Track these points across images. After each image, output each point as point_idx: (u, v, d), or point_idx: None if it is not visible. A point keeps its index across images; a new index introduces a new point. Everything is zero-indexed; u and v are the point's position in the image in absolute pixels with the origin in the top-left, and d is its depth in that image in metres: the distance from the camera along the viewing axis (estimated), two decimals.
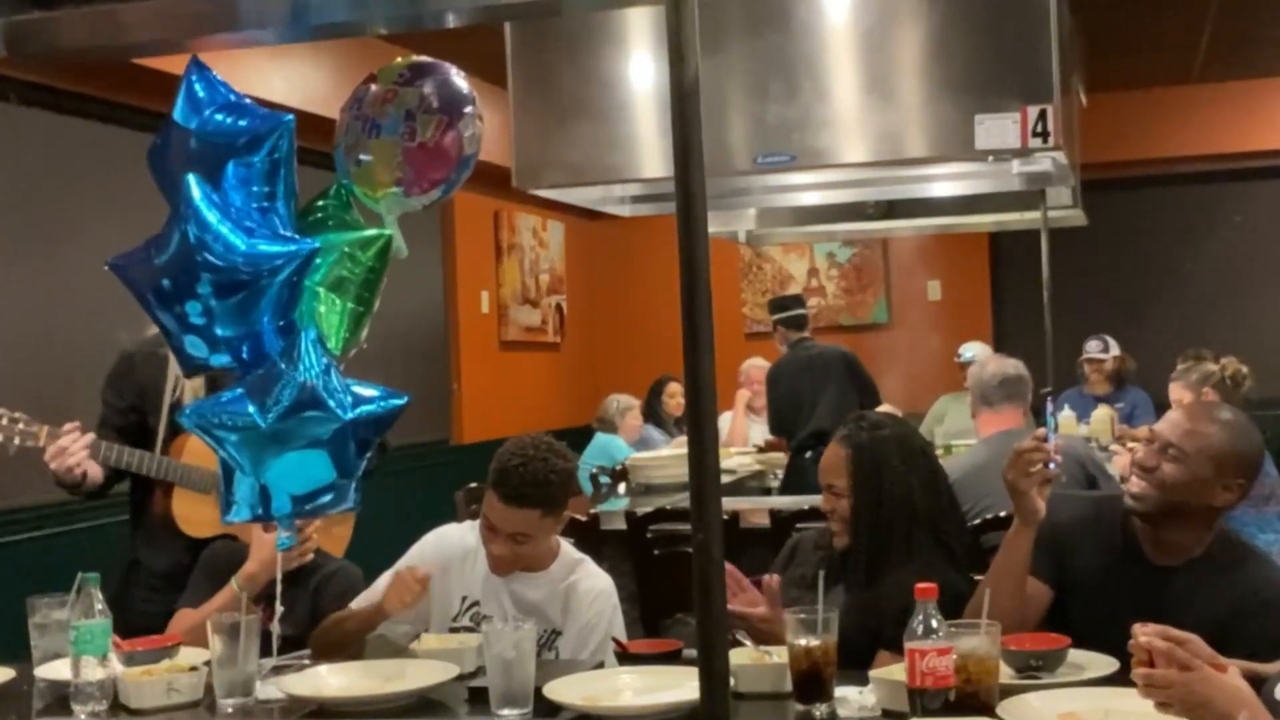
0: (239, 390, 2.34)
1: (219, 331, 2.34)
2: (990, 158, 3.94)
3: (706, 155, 1.61)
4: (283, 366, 2.35)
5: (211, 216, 2.28)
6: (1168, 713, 1.99)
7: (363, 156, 2.44)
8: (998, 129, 3.77)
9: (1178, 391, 5.33)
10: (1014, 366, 4.73)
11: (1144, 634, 2.02)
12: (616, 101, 4.19)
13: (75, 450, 3.26)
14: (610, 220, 7.09)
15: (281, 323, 2.37)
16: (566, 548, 3.13)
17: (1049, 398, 2.72)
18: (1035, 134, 3.75)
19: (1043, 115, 3.74)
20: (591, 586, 3.05)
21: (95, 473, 3.41)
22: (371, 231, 2.50)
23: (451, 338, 8.04)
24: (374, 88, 2.45)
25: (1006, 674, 2.34)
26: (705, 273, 1.61)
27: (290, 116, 2.38)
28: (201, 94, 2.36)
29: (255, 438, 2.32)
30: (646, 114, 4.14)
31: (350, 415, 2.37)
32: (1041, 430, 2.67)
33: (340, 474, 2.41)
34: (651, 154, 4.14)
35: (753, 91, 4.02)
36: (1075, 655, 2.46)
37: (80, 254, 4.96)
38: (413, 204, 2.47)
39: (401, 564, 3.09)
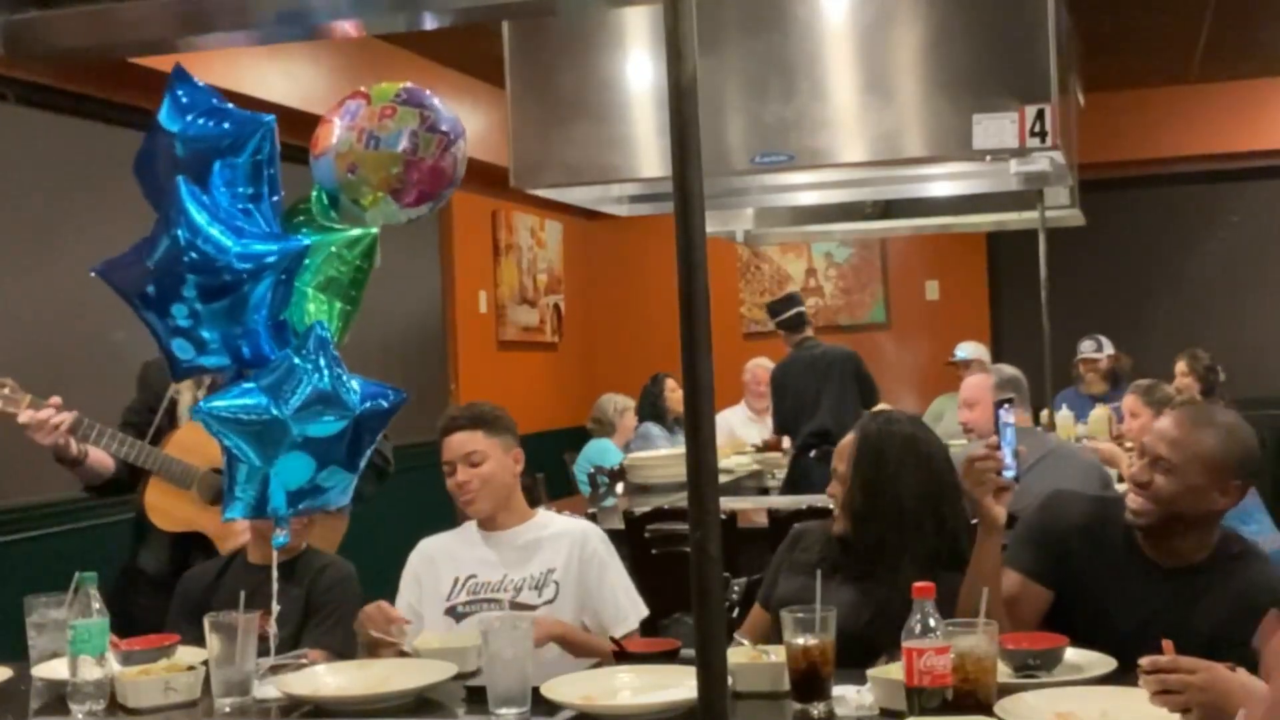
0: (251, 385, 2.36)
1: (210, 333, 2.36)
2: (988, 157, 3.94)
3: (704, 155, 1.61)
4: (297, 361, 2.36)
5: (201, 218, 2.30)
6: (1187, 718, 2.00)
7: (358, 166, 2.46)
8: (995, 129, 3.78)
9: (1132, 403, 5.38)
10: (1000, 373, 4.78)
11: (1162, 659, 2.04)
12: (614, 101, 4.19)
13: (52, 424, 3.24)
14: (608, 220, 7.08)
15: (276, 321, 2.39)
16: (541, 510, 3.26)
17: (1000, 406, 2.65)
18: (1033, 134, 3.75)
19: (1040, 115, 3.74)
20: (574, 525, 3.19)
21: (102, 459, 3.41)
22: (358, 231, 2.52)
23: (449, 337, 8.03)
24: (366, 104, 2.48)
25: (1004, 673, 2.34)
26: (703, 272, 1.61)
27: (271, 117, 2.39)
28: (185, 99, 2.38)
29: (270, 431, 2.34)
30: (644, 114, 4.14)
31: (360, 409, 2.40)
32: (994, 438, 2.61)
33: (348, 468, 2.44)
34: (649, 153, 4.14)
35: (750, 91, 4.02)
36: (1073, 654, 2.46)
37: (78, 254, 4.93)
38: (400, 216, 2.52)
39: (402, 591, 3.14)
